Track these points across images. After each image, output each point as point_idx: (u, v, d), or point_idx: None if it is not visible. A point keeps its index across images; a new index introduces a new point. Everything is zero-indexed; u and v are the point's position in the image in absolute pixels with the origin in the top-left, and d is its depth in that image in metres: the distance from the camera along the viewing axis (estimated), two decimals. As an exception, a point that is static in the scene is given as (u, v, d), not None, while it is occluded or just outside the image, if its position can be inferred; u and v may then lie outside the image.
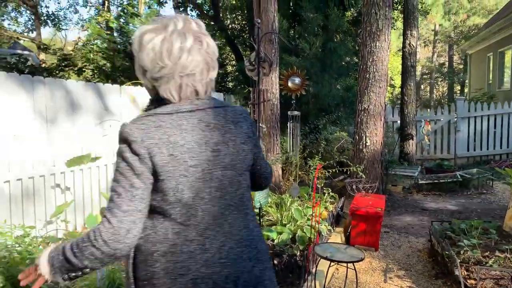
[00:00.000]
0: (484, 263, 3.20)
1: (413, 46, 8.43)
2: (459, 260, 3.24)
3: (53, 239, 3.31)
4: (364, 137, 5.96)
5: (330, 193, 4.71)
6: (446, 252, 3.54)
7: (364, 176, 4.98)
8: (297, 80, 3.47)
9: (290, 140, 4.02)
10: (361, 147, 5.98)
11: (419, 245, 4.58)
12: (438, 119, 9.85)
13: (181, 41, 1.26)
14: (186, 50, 1.26)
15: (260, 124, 5.17)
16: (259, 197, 3.21)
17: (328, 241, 3.86)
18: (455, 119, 9.79)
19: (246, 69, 3.35)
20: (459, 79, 28.64)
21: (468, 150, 9.88)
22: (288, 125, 3.91)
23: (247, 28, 12.13)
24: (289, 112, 3.83)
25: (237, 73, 11.95)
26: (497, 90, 14.03)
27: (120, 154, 1.22)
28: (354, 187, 5.07)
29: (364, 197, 4.84)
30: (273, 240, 3.43)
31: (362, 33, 6.02)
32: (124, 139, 1.23)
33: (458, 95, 25.17)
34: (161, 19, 1.30)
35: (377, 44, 5.81)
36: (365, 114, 5.96)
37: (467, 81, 24.56)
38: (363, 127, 5.98)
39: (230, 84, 12.49)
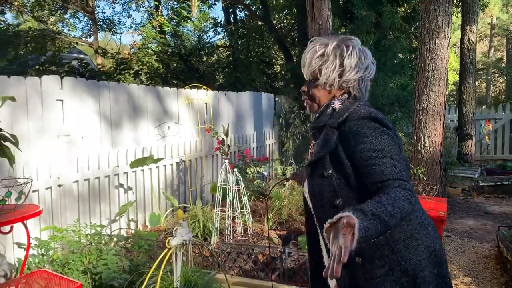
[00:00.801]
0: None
1: (473, 42, 8.07)
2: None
3: (121, 237, 3.45)
4: (423, 138, 5.77)
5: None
6: (518, 260, 3.36)
7: (424, 178, 4.81)
8: None
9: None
10: (419, 148, 5.80)
11: (484, 251, 4.38)
12: (499, 118, 9.37)
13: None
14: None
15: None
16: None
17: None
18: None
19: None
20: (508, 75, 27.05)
21: (531, 150, 9.32)
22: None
23: (296, 27, 12.07)
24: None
25: (286, 72, 11.93)
26: None
27: (377, 129, 1.35)
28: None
29: (424, 200, 4.68)
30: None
31: (420, 30, 5.82)
32: (374, 118, 1.37)
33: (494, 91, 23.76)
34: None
35: (436, 42, 5.61)
36: (423, 114, 5.76)
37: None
38: (422, 127, 5.79)
39: (278, 84, 12.48)
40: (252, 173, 4.10)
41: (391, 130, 1.38)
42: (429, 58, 5.66)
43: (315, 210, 1.48)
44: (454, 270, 3.89)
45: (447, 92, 6.15)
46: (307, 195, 1.56)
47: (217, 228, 3.74)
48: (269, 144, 7.63)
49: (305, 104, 1.62)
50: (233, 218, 3.87)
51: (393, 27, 8.41)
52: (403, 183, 1.26)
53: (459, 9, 11.64)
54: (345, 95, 1.53)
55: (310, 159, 1.50)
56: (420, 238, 1.39)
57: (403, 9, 9.89)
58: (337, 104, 1.50)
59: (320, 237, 1.56)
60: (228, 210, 3.77)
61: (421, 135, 5.81)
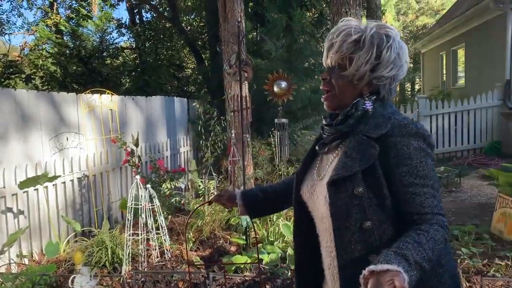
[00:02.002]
0: (485, 272, 3.04)
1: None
2: (460, 271, 3.06)
3: (7, 277, 2.82)
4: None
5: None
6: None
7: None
8: (284, 84, 3.17)
9: (278, 149, 3.72)
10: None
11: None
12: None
13: None
14: None
15: (233, 131, 4.85)
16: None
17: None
18: (417, 117, 9.87)
19: (225, 72, 3.02)
20: (410, 77, 29.46)
21: (431, 148, 9.98)
22: (276, 133, 3.61)
23: (206, 29, 11.74)
24: (276, 120, 3.52)
25: (198, 76, 11.54)
26: (451, 88, 14.41)
27: (423, 150, 1.22)
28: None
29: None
30: (261, 261, 3.11)
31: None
32: (421, 135, 1.23)
33: (409, 93, 25.81)
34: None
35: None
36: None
37: (418, 78, 25.36)
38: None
39: (191, 88, 12.04)
40: (168, 189, 3.68)
41: (432, 149, 1.25)
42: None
43: (337, 231, 1.26)
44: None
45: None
46: (313, 204, 1.37)
47: (128, 255, 3.27)
48: (184, 152, 7.19)
49: (323, 99, 1.35)
50: (148, 240, 3.42)
51: (303, 31, 8.47)
52: (441, 220, 1.18)
53: (362, 12, 12.20)
54: (374, 95, 1.30)
55: (337, 173, 1.25)
56: (445, 264, 1.28)
57: (311, 13, 10.07)
58: (368, 107, 1.27)
59: (325, 257, 1.37)
60: (141, 233, 3.31)
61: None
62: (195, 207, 2.80)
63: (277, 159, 3.69)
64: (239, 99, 2.97)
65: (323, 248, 1.37)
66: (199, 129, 4.17)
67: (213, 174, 4.12)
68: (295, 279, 1.51)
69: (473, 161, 9.26)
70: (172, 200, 3.66)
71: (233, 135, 4.59)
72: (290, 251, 3.17)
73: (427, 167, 1.20)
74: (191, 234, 3.49)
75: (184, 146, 7.17)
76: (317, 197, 1.33)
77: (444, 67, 16.01)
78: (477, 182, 7.73)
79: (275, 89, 3.16)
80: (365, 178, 1.21)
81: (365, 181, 1.21)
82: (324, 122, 1.37)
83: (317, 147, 1.39)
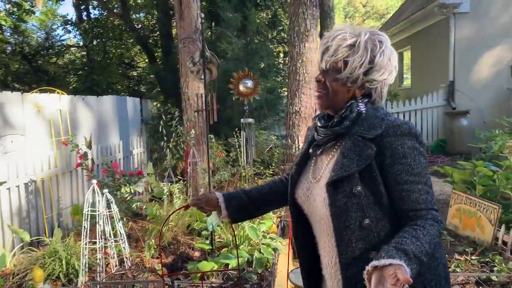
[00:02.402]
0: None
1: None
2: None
3: None
4: (297, 140, 5.78)
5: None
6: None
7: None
8: (250, 83, 3.09)
9: (244, 150, 3.64)
10: (294, 150, 5.79)
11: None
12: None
13: None
14: None
15: (192, 132, 4.70)
16: (212, 219, 2.79)
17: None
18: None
19: (189, 70, 2.90)
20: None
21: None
22: (242, 134, 3.52)
23: (157, 28, 11.42)
24: (242, 120, 3.44)
25: (150, 75, 11.20)
26: (398, 88, 14.98)
27: (418, 149, 1.27)
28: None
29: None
30: (227, 266, 3.02)
31: (290, 33, 5.83)
32: (414, 135, 1.27)
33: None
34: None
35: (306, 45, 5.66)
36: (297, 117, 5.78)
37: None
38: (296, 130, 5.80)
39: (143, 88, 11.67)
40: (128, 194, 3.49)
41: (424, 147, 1.31)
42: (300, 61, 5.69)
43: (337, 230, 1.29)
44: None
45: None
46: (307, 206, 1.40)
47: (85, 265, 3.06)
48: (138, 154, 6.94)
49: (316, 97, 1.39)
50: (105, 248, 3.22)
51: (258, 31, 8.45)
52: (435, 215, 1.23)
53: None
54: (366, 97, 1.35)
55: (336, 174, 1.29)
56: (439, 257, 1.33)
57: (265, 14, 10.08)
58: (362, 109, 1.32)
59: (324, 257, 1.40)
60: (99, 241, 3.11)
61: (295, 137, 5.82)
62: (170, 212, 2.66)
63: (243, 160, 3.61)
64: (203, 98, 2.86)
65: (321, 249, 1.40)
66: (161, 129, 3.99)
67: (173, 177, 3.96)
68: (303, 282, 1.52)
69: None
70: (133, 206, 3.48)
71: (192, 135, 4.46)
72: (257, 254, 3.11)
73: (420, 165, 1.25)
74: (152, 240, 3.32)
75: (137, 147, 6.92)
76: (314, 199, 1.36)
77: (391, 68, 16.60)
78: (426, 179, 8.05)
79: (241, 88, 3.07)
80: (362, 177, 1.26)
81: (363, 180, 1.26)
82: (318, 124, 1.40)
83: (310, 149, 1.41)
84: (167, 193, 3.77)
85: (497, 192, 4.07)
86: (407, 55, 14.71)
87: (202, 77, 2.74)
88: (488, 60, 10.13)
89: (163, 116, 4.25)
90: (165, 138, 3.92)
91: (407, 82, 14.81)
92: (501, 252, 3.34)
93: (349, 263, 1.27)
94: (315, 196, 1.35)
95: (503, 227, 3.41)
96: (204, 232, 3.41)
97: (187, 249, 3.38)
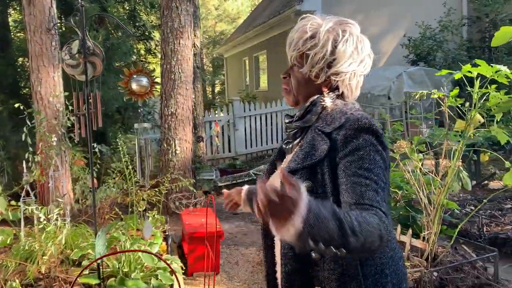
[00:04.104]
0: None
1: (198, 47, 8.25)
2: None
3: None
4: (173, 144, 5.37)
5: (155, 215, 3.95)
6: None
7: (194, 189, 4.41)
8: (145, 80, 2.59)
9: (138, 161, 3.09)
10: (171, 156, 5.37)
11: (254, 257, 4.33)
12: (219, 120, 10.07)
13: None
14: None
15: (54, 139, 3.94)
16: (99, 244, 2.26)
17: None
18: (233, 118, 10.20)
19: (65, 64, 2.31)
20: (210, 81, 30.70)
21: (246, 148, 10.45)
22: (136, 141, 2.98)
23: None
24: (136, 125, 2.90)
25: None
26: (255, 91, 15.50)
27: (373, 145, 1.17)
28: (176, 203, 4.43)
29: (193, 214, 4.28)
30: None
31: (163, 29, 5.39)
32: (374, 131, 1.19)
33: (210, 96, 26.84)
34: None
35: (180, 42, 5.29)
36: (173, 119, 5.37)
37: (217, 82, 26.62)
38: (172, 134, 5.39)
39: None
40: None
41: (385, 150, 1.21)
42: (175, 59, 5.30)
43: None
44: (240, 288, 3.62)
45: (194, 96, 5.96)
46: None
47: None
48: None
49: (283, 93, 1.38)
50: None
51: (119, 26, 7.72)
52: (381, 215, 1.08)
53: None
54: (333, 92, 1.30)
55: (287, 166, 1.25)
56: (390, 274, 1.23)
57: (123, 8, 9.31)
58: (328, 103, 1.28)
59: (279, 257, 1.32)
60: None
61: (171, 141, 5.41)
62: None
63: (138, 172, 3.07)
64: (85, 98, 2.29)
65: (276, 249, 1.35)
66: (25, 137, 3.15)
67: (31, 195, 3.18)
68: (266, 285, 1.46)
69: (284, 159, 10.07)
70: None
71: (54, 143, 3.73)
72: (154, 281, 2.65)
73: (374, 162, 1.15)
74: (16, 281, 2.56)
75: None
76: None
77: (247, 71, 17.13)
78: (292, 178, 8.38)
79: (134, 86, 2.56)
80: (314, 173, 1.20)
81: (315, 176, 1.20)
82: (286, 120, 1.38)
83: (283, 146, 1.38)
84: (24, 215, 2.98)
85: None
86: (263, 58, 15.31)
87: (83, 72, 2.18)
88: (338, 66, 11.09)
89: (28, 121, 3.40)
90: (30, 148, 3.11)
91: (264, 85, 15.40)
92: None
93: (290, 259, 1.22)
94: None
95: (398, 227, 3.54)
96: (85, 262, 2.78)
97: (63, 286, 2.71)
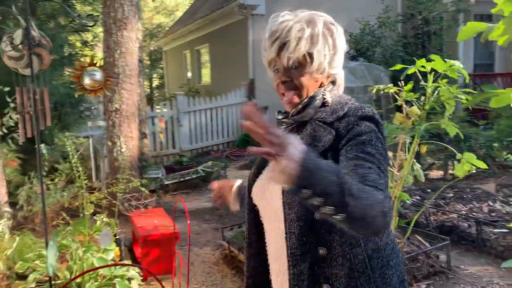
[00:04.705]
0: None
1: (140, 39, 7.90)
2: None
3: None
4: (119, 142, 5.08)
5: (104, 218, 3.70)
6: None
7: (146, 190, 4.18)
8: (99, 74, 2.33)
9: (93, 162, 2.82)
10: (116, 154, 5.08)
11: (210, 257, 4.20)
12: (162, 115, 9.75)
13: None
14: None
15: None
16: (51, 258, 2.04)
17: None
18: (177, 113, 9.93)
19: (6, 56, 2.03)
20: (148, 75, 29.72)
21: (191, 144, 10.22)
22: (90, 142, 2.71)
23: None
24: (90, 123, 2.64)
25: None
26: (197, 85, 15.22)
27: (374, 132, 1.16)
28: (125, 204, 4.19)
29: (144, 216, 4.07)
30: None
31: (104, 19, 5.06)
32: (376, 120, 1.19)
33: (148, 91, 26.04)
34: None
35: (124, 34, 5.00)
36: (117, 116, 5.08)
37: (155, 76, 25.77)
38: (117, 131, 5.09)
39: None
40: None
41: (384, 139, 1.20)
42: (119, 52, 5.01)
43: (288, 222, 1.21)
44: (199, 290, 3.49)
45: (139, 91, 5.69)
46: (265, 203, 1.31)
47: None
48: None
49: (284, 98, 1.28)
50: None
51: (53, 15, 7.20)
52: (386, 195, 1.04)
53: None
54: (333, 84, 1.31)
55: None
56: (394, 265, 1.24)
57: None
58: (328, 97, 1.26)
59: (273, 263, 1.32)
60: None
61: (116, 139, 5.12)
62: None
63: (94, 175, 2.82)
64: (32, 95, 2.03)
65: (271, 255, 1.32)
66: None
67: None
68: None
69: (230, 154, 9.96)
70: None
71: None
72: (111, 291, 2.46)
73: (376, 148, 1.13)
74: None
75: None
76: (270, 193, 1.27)
77: (188, 65, 16.77)
78: (239, 173, 8.29)
79: (87, 81, 2.30)
80: None
81: None
82: (279, 116, 1.33)
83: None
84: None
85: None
86: (205, 52, 15.05)
87: (28, 65, 1.92)
88: (282, 60, 11.13)
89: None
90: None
91: (206, 79, 15.16)
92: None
93: (298, 259, 1.18)
94: (271, 190, 1.27)
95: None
96: (32, 276, 2.51)
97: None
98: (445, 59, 2.92)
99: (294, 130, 1.29)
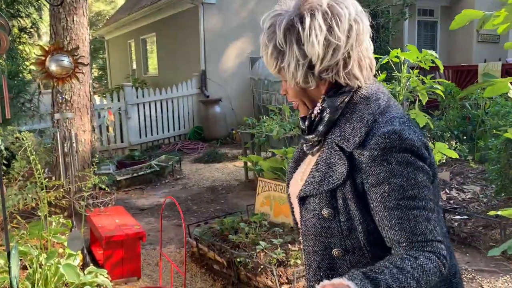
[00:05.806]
0: (286, 262, 3.02)
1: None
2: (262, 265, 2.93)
3: None
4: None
5: (60, 219, 3.39)
6: (238, 260, 3.16)
7: (105, 187, 3.88)
8: (66, 60, 2.04)
9: (61, 159, 2.52)
10: (66, 150, 4.69)
11: (175, 256, 4.01)
12: (109, 107, 9.27)
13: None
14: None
15: None
16: (15, 272, 1.79)
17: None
18: (125, 105, 9.49)
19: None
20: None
21: (140, 137, 9.84)
22: (58, 134, 2.41)
23: None
24: (56, 115, 2.33)
25: None
26: (144, 76, 14.65)
27: (410, 165, 0.98)
28: (82, 203, 3.87)
29: (104, 215, 3.80)
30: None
31: (52, 1, 4.64)
32: (408, 148, 0.98)
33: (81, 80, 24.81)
34: None
35: (74, 19, 4.62)
36: (67, 108, 4.70)
37: (95, 66, 24.57)
38: (67, 124, 4.70)
39: None
40: None
41: (426, 160, 1.01)
42: (68, 39, 4.63)
43: (306, 254, 1.14)
44: (168, 292, 3.30)
45: (91, 81, 5.30)
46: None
47: None
48: None
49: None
50: None
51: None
52: (438, 247, 0.97)
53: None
54: (334, 89, 1.08)
55: (304, 189, 1.10)
56: None
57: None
58: (327, 111, 1.07)
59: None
60: None
61: (67, 134, 4.72)
62: None
63: (62, 174, 2.52)
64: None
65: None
66: None
67: None
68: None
69: (182, 147, 9.68)
70: None
71: None
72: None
73: (416, 185, 0.98)
74: None
75: None
76: (296, 208, 1.19)
77: (133, 55, 16.09)
78: (194, 167, 8.09)
79: (53, 67, 2.00)
80: (335, 198, 1.04)
81: (336, 201, 1.04)
82: (302, 126, 1.18)
83: (304, 146, 1.20)
84: None
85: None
86: (152, 41, 14.50)
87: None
88: (233, 51, 10.96)
89: None
90: None
91: (153, 70, 14.62)
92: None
93: (313, 260, 1.11)
94: (295, 205, 1.21)
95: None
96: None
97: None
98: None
99: (314, 147, 1.15)
